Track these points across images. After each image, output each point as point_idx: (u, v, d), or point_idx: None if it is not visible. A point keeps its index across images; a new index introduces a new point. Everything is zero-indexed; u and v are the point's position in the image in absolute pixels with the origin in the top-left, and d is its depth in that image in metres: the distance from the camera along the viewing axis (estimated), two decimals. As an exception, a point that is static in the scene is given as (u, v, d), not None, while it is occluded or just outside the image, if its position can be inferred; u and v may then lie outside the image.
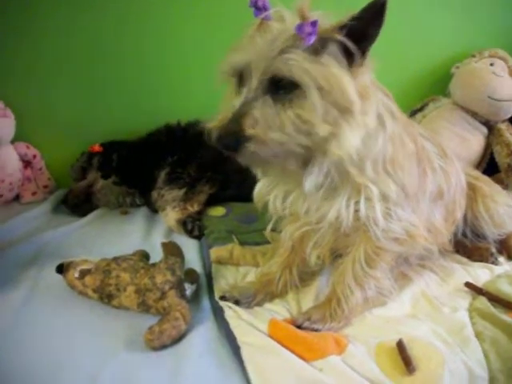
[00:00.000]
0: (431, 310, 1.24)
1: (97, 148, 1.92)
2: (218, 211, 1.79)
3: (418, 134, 1.24)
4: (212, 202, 1.81)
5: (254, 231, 1.60)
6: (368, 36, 0.92)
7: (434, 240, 1.29)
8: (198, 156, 1.81)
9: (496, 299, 1.26)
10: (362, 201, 1.07)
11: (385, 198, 1.08)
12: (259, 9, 0.97)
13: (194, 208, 1.70)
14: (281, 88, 0.94)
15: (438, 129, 2.00)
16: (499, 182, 1.93)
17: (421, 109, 2.12)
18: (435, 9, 2.15)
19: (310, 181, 1.04)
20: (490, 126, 2.07)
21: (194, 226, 1.61)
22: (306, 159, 1.01)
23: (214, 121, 0.99)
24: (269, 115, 0.94)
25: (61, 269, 1.26)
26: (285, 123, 0.93)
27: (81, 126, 2.06)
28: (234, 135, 0.93)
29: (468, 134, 2.03)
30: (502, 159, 1.99)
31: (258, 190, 1.22)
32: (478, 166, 2.08)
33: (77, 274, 1.22)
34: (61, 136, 2.07)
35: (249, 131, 0.93)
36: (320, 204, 1.10)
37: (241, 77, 1.00)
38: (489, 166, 2.11)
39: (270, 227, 1.30)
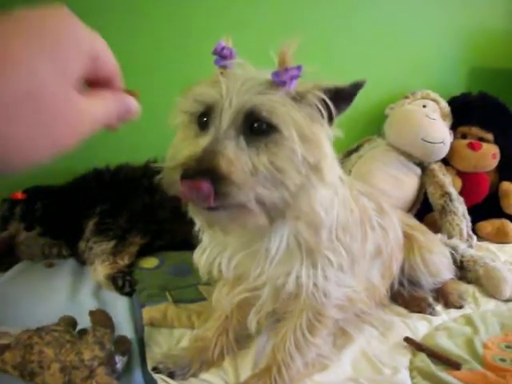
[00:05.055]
0: (372, 372, 1.20)
1: (19, 195, 1.78)
2: (150, 263, 1.71)
3: (357, 191, 1.22)
4: (144, 252, 1.73)
5: (188, 286, 1.52)
6: (340, 108, 0.90)
7: (371, 298, 1.27)
8: (128, 204, 1.73)
9: (435, 355, 1.25)
10: (320, 271, 1.02)
11: (339, 266, 1.05)
12: (224, 57, 0.91)
13: (124, 261, 1.61)
14: (255, 130, 0.85)
15: (373, 170, 2.01)
16: (433, 222, 1.97)
17: (356, 149, 2.13)
18: (367, 49, 2.18)
19: (276, 242, 0.98)
20: (424, 167, 2.10)
21: (124, 282, 1.52)
22: (274, 215, 0.89)
23: (174, 160, 0.86)
24: (242, 158, 0.82)
25: (-24, 343, 1.14)
26: (258, 169, 0.82)
27: (1, 170, 1.91)
28: (209, 173, 0.78)
29: (402, 175, 2.04)
30: (435, 200, 2.01)
31: (205, 257, 1.10)
32: (412, 206, 2.10)
33: (-6, 350, 1.11)
34: (-21, 181, 1.92)
35: (226, 170, 0.79)
36: (275, 270, 1.02)
37: (204, 116, 0.89)
38: (423, 205, 2.13)
39: (216, 293, 1.22)
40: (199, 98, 0.90)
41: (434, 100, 2.15)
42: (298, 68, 0.85)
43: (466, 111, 2.17)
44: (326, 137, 0.90)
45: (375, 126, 2.21)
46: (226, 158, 0.80)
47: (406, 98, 2.17)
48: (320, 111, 0.89)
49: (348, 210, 1.07)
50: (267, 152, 0.84)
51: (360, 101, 2.25)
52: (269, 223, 0.89)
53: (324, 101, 0.88)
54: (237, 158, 0.82)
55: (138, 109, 0.53)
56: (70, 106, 0.43)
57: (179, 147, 0.92)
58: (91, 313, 1.22)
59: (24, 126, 0.40)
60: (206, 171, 0.78)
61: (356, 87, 0.89)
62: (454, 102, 2.21)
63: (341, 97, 0.89)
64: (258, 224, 0.88)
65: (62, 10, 0.44)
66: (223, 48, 0.90)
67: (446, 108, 2.16)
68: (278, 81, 0.85)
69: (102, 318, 1.20)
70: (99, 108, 0.47)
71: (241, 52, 0.93)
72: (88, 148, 1.95)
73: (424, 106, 2.10)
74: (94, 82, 0.48)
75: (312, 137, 0.87)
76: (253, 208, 0.83)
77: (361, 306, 1.20)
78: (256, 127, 0.85)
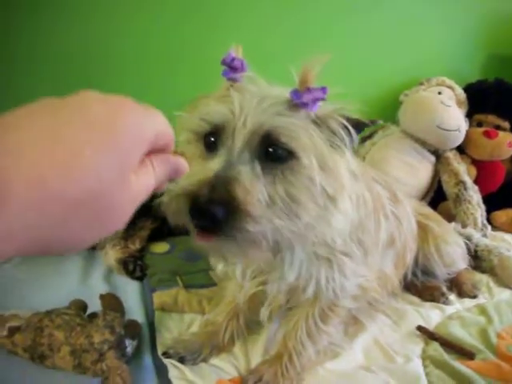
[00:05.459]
0: (384, 360, 1.20)
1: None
2: (161, 248, 1.70)
3: (371, 179, 1.20)
4: (155, 237, 1.72)
5: (199, 271, 1.52)
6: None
7: (383, 288, 1.26)
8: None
9: (448, 345, 1.24)
10: (336, 268, 1.01)
11: (352, 260, 1.03)
12: (233, 69, 0.82)
13: (135, 245, 1.60)
14: (270, 155, 0.78)
15: (387, 158, 1.98)
16: (447, 210, 1.94)
17: (370, 136, 2.09)
18: (382, 35, 2.14)
19: (292, 271, 0.97)
20: (438, 155, 2.07)
21: (135, 267, 1.51)
22: (280, 248, 0.84)
23: (179, 184, 0.75)
24: (258, 187, 0.75)
25: (-13, 325, 1.14)
26: (274, 200, 0.76)
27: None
28: (224, 203, 0.71)
29: (416, 163, 2.01)
30: (449, 189, 1.98)
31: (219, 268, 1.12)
32: (426, 194, 2.07)
33: (5, 332, 1.11)
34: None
35: (243, 201, 0.72)
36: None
37: (212, 135, 0.82)
38: (437, 193, 2.11)
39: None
40: (206, 117, 0.82)
41: (449, 87, 2.10)
42: (323, 90, 0.77)
43: (482, 98, 2.13)
44: (345, 166, 0.84)
45: (389, 112, 2.16)
46: (243, 187, 0.73)
47: (421, 84, 2.13)
48: (341, 138, 0.82)
49: (361, 207, 1.02)
50: (283, 180, 0.78)
51: (374, 87, 2.24)
52: (272, 256, 0.86)
53: (345, 127, 0.81)
54: (253, 186, 0.75)
55: (186, 168, 0.51)
56: (128, 197, 0.42)
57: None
58: (102, 296, 1.22)
59: (82, 223, 0.39)
60: (220, 201, 0.71)
61: (372, 123, 0.85)
62: (469, 89, 2.17)
63: (357, 127, 0.83)
64: (260, 258, 0.85)
65: (118, 98, 0.43)
66: (233, 59, 0.82)
67: (462, 95, 2.12)
68: (299, 101, 0.78)
69: (112, 302, 1.20)
70: (153, 179, 0.46)
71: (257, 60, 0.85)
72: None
73: (439, 93, 2.06)
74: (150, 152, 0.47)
75: (332, 166, 0.81)
76: (263, 241, 0.76)
77: (373, 294, 1.18)
78: (271, 152, 0.78)
